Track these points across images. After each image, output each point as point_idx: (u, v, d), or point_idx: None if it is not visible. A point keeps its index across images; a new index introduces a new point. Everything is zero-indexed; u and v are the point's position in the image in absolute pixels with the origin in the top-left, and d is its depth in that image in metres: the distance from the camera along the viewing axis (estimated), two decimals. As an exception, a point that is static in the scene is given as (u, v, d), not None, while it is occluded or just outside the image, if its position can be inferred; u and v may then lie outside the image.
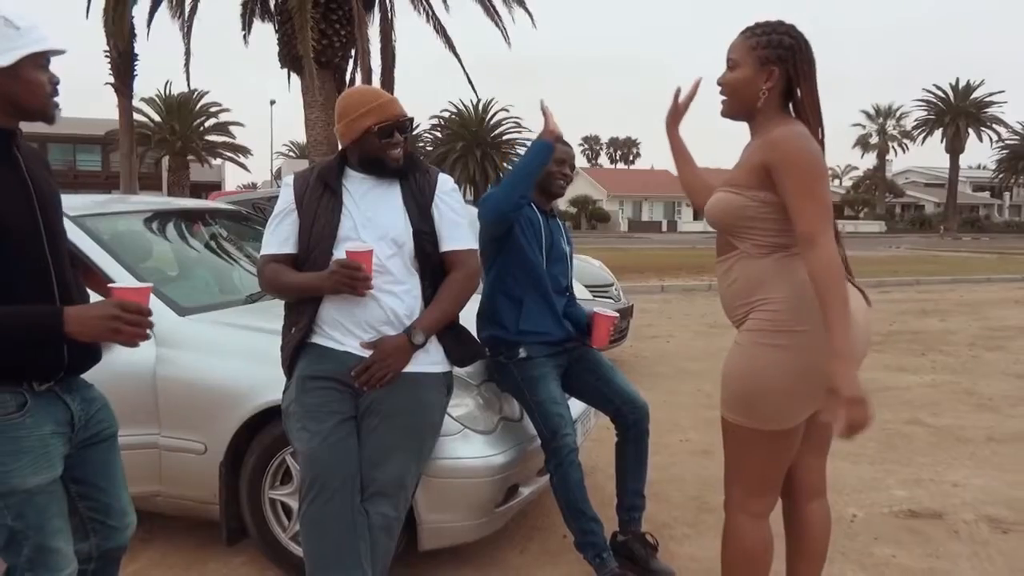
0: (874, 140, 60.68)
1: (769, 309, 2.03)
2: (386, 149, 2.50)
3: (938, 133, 55.38)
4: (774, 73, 2.03)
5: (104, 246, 3.21)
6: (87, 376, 2.03)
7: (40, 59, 1.80)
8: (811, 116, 2.05)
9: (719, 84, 2.13)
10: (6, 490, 1.77)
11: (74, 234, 3.18)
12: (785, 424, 2.06)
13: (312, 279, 2.44)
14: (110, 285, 1.91)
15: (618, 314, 3.24)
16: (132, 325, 1.75)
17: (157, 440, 2.95)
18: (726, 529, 2.23)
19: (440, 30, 16.61)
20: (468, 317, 2.75)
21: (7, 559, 1.84)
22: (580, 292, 6.23)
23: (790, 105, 2.10)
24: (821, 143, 2.06)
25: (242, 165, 46.62)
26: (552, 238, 3.08)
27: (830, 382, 1.86)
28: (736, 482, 2.19)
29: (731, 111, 2.13)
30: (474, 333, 2.79)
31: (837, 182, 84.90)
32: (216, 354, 2.96)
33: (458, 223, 2.61)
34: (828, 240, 1.91)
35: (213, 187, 40.58)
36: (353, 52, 14.93)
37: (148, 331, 1.81)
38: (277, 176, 46.15)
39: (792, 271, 2.03)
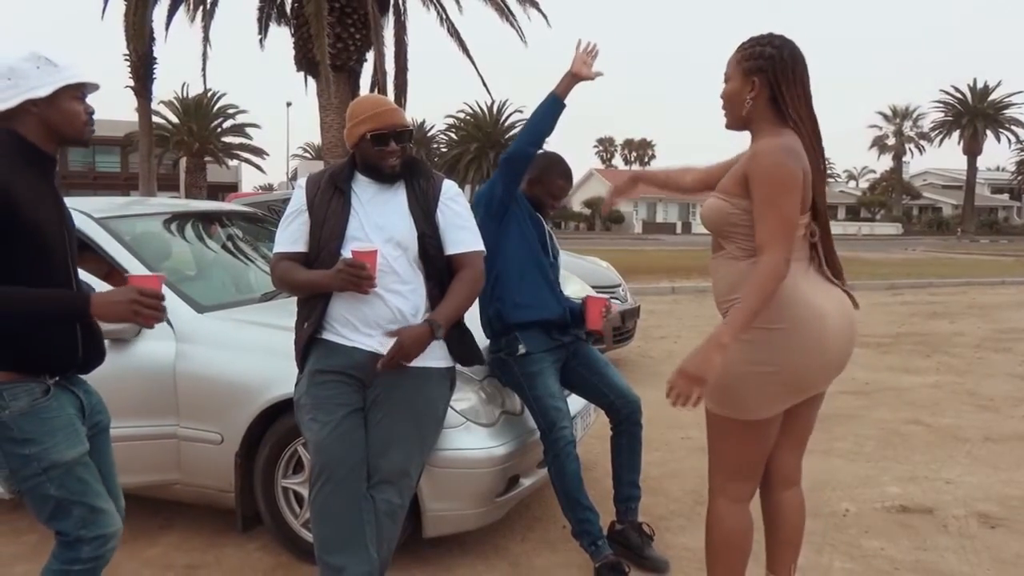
0: (891, 141, 60.33)
1: None
2: (381, 156, 2.62)
3: (956, 135, 55.01)
4: (755, 83, 2.14)
5: (126, 246, 3.37)
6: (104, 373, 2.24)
7: (77, 92, 2.06)
8: (798, 122, 2.13)
9: (720, 99, 2.26)
10: (47, 464, 1.99)
11: (98, 235, 3.36)
12: (756, 415, 2.18)
13: (319, 277, 2.56)
14: (127, 274, 2.11)
15: (608, 297, 3.39)
16: (149, 308, 1.98)
17: (176, 431, 3.11)
18: (709, 514, 2.35)
19: (453, 32, 16.76)
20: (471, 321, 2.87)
21: (56, 526, 2.06)
22: (588, 292, 6.35)
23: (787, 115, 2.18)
24: (814, 147, 2.14)
25: (258, 166, 47.04)
26: (549, 236, 3.26)
27: (697, 352, 2.02)
28: (716, 468, 2.32)
29: (728, 122, 2.26)
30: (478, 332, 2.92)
31: (853, 183, 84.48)
32: (232, 349, 3.11)
33: (463, 227, 2.71)
34: (776, 253, 2.02)
35: (230, 188, 40.96)
36: (368, 55, 15.13)
37: (163, 315, 2.03)
38: (293, 177, 46.51)
39: None
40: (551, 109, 2.94)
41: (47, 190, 2.05)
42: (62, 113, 2.04)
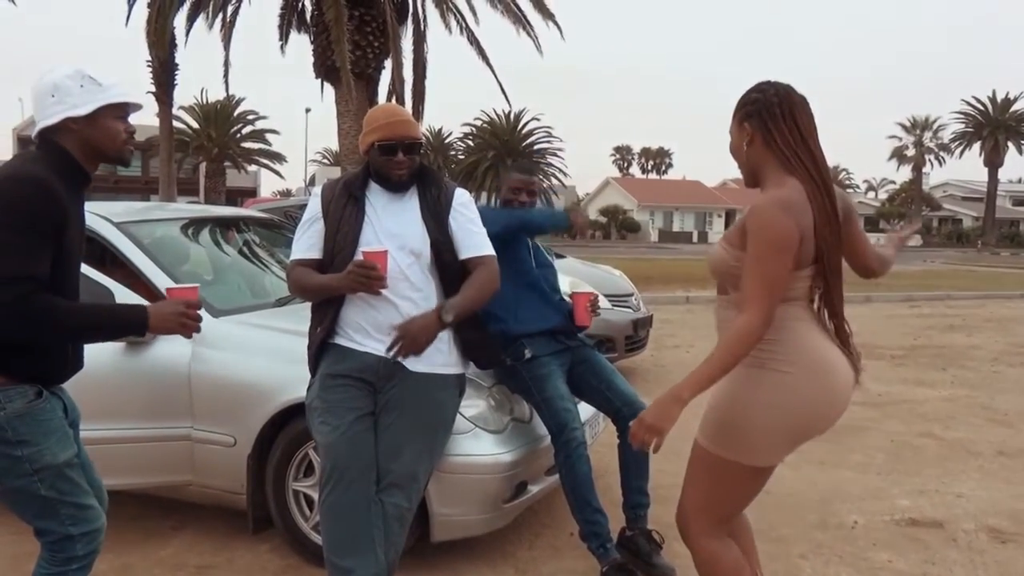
0: (910, 152, 59.87)
1: (768, 350, 2.06)
2: (388, 167, 2.67)
3: (976, 146, 54.56)
4: (747, 129, 2.11)
5: (144, 250, 3.43)
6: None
7: (119, 111, 2.11)
8: (796, 159, 2.05)
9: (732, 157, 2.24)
10: (40, 466, 2.03)
11: (117, 239, 3.43)
12: (760, 461, 2.13)
13: (331, 279, 2.61)
14: (167, 287, 2.29)
15: (596, 291, 3.43)
16: (193, 320, 2.12)
17: (190, 433, 3.16)
18: (700, 558, 2.23)
19: (473, 41, 16.83)
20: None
21: (41, 524, 2.10)
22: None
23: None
24: (819, 188, 2.03)
25: (277, 172, 47.16)
26: (535, 247, 3.38)
27: (656, 404, 2.03)
28: (702, 509, 2.20)
29: (744, 180, 2.22)
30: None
31: (872, 195, 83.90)
32: (246, 353, 3.16)
33: (475, 232, 2.77)
34: (755, 314, 1.97)
35: (249, 193, 41.32)
36: (387, 63, 15.24)
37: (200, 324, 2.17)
38: (311, 182, 46.78)
39: (786, 319, 2.06)
40: (560, 222, 3.31)
41: (80, 207, 2.13)
42: (102, 131, 2.08)
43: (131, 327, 2.10)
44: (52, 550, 2.10)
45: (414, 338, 2.52)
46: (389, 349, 2.53)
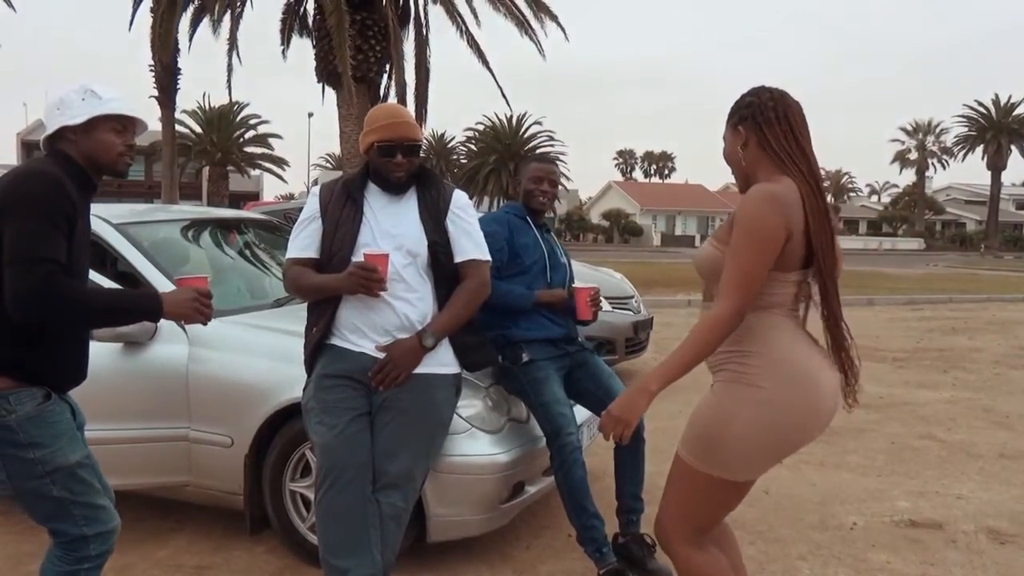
0: (913, 156, 59.80)
1: (748, 363, 2.02)
2: (387, 168, 2.67)
3: (979, 149, 54.53)
4: (742, 132, 2.10)
5: (143, 252, 3.44)
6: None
7: (116, 124, 2.15)
8: (789, 157, 2.03)
9: (727, 164, 2.21)
10: (52, 468, 2.04)
11: (116, 240, 3.44)
12: (738, 477, 2.10)
13: (331, 280, 2.62)
14: (177, 277, 2.38)
15: (598, 287, 3.38)
16: (206, 306, 2.19)
17: (188, 433, 3.16)
18: (682, 571, 2.20)
19: (474, 45, 16.86)
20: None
21: (54, 526, 2.10)
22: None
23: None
24: (812, 190, 2.00)
25: (280, 176, 47.35)
26: (551, 249, 3.34)
27: (624, 395, 2.03)
28: (683, 519, 2.16)
29: (738, 184, 2.19)
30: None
31: (875, 198, 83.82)
32: (244, 354, 3.16)
33: (471, 235, 2.77)
34: (726, 306, 1.93)
35: (252, 197, 41.34)
36: (388, 67, 15.28)
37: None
38: (315, 184, 46.85)
39: (768, 329, 2.02)
40: (524, 302, 3.18)
41: (87, 213, 2.16)
42: (96, 143, 2.13)
43: (146, 312, 2.16)
44: (66, 549, 2.11)
45: (396, 363, 2.58)
46: (373, 378, 2.58)
